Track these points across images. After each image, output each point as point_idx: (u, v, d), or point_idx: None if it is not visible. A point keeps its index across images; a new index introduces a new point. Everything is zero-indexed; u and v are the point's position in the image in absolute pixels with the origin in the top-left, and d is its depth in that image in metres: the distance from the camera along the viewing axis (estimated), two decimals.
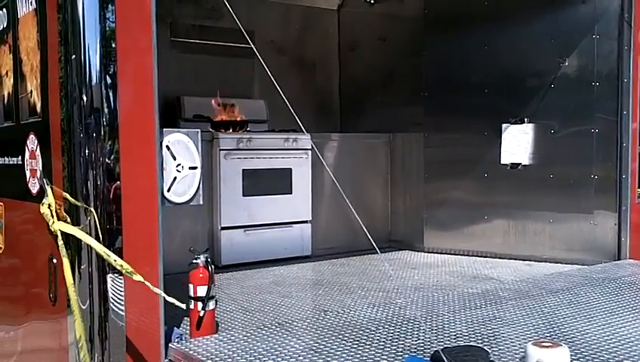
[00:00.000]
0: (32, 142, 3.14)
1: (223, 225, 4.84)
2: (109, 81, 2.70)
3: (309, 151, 5.24)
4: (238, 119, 5.15)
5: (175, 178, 2.94)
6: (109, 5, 2.69)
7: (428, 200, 5.29)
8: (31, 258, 3.42)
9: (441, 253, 5.18)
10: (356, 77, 6.15)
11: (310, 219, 5.28)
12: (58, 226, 2.55)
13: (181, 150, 2.97)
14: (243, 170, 4.93)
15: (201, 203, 3.06)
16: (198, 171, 3.01)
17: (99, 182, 2.72)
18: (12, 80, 3.41)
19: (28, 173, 3.21)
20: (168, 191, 2.91)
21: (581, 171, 4.55)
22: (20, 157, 3.33)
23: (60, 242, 2.54)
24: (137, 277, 2.42)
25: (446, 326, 2.86)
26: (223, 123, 5.07)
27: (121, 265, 2.46)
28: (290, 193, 5.18)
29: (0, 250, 3.77)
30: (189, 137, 2.98)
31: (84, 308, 2.71)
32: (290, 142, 5.16)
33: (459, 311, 3.14)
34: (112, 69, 2.70)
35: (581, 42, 4.56)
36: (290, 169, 5.17)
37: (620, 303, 3.28)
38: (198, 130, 3.04)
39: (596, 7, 4.51)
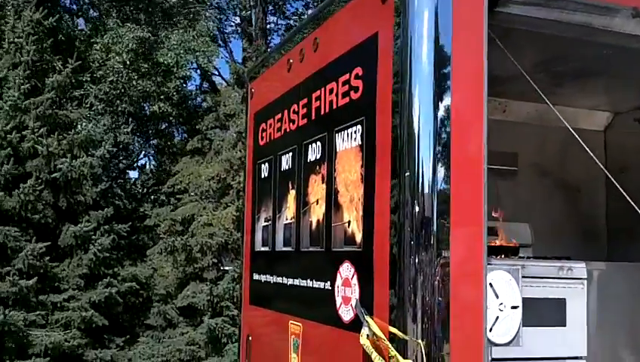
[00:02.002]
0: (346, 270, 3.26)
1: (493, 357, 4.60)
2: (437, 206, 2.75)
3: (585, 281, 4.89)
4: (512, 245, 4.99)
5: (497, 317, 2.86)
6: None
7: None
8: None
9: None
10: (626, 201, 5.75)
11: (585, 355, 4.84)
12: None
13: (503, 288, 2.89)
14: None
15: (521, 345, 2.92)
16: (519, 311, 2.89)
17: (427, 315, 2.71)
18: (323, 209, 3.61)
19: (339, 300, 3.31)
20: (490, 331, 2.83)
21: None
22: (328, 283, 3.46)
23: None
24: None
25: None
26: (497, 248, 4.94)
27: None
28: (564, 325, 4.82)
29: None
30: (510, 275, 2.90)
31: None
32: (564, 271, 4.87)
33: None
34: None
35: None
36: (564, 299, 4.84)
37: None
38: (519, 266, 2.95)
39: None
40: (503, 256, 4.95)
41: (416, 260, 2.72)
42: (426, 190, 2.76)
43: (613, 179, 3.22)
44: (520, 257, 5.00)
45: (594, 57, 4.50)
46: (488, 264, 2.85)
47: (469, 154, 2.84)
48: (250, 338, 4.80)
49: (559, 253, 5.42)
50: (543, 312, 4.78)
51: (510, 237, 5.24)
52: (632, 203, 2.89)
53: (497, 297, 2.87)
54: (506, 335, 2.90)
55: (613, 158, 5.96)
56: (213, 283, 12.30)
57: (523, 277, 4.72)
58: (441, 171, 2.77)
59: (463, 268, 2.71)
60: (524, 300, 4.70)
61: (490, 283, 2.85)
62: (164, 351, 11.98)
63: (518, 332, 2.91)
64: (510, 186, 5.79)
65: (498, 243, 5.01)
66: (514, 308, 2.92)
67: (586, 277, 4.90)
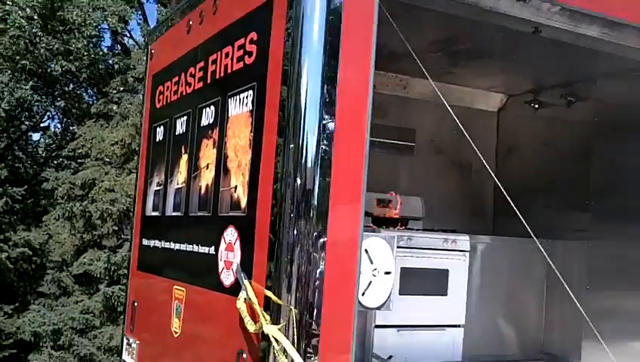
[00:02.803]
0: (230, 234, 3.27)
1: (377, 323, 4.77)
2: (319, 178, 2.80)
3: (467, 253, 5.13)
4: (399, 216, 5.15)
5: (370, 282, 2.95)
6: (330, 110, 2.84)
7: (589, 311, 4.98)
8: (213, 347, 3.50)
9: None
10: (513, 180, 6.03)
11: (464, 323, 5.11)
12: (271, 331, 2.58)
13: (378, 254, 2.98)
14: (402, 268, 4.86)
15: (391, 309, 3.04)
16: (392, 277, 3.00)
17: (301, 282, 2.77)
18: (213, 173, 3.59)
19: (221, 265, 3.32)
20: (362, 295, 2.92)
21: None
22: (212, 248, 3.46)
23: (277, 347, 2.56)
24: None
25: None
26: (385, 219, 5.08)
27: None
28: (446, 295, 5.06)
29: (175, 334, 3.88)
30: (386, 242, 3.00)
31: None
32: (449, 243, 5.09)
33: None
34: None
35: None
36: (447, 270, 5.07)
37: None
38: (395, 234, 3.05)
39: None
40: (391, 227, 5.13)
41: (295, 228, 2.76)
42: (309, 163, 2.80)
43: (485, 163, 3.35)
44: (408, 229, 5.18)
45: (487, 39, 4.66)
46: (365, 231, 2.94)
47: (353, 129, 2.88)
48: (135, 304, 4.75)
49: (448, 226, 5.65)
50: (426, 282, 4.99)
51: (402, 209, 5.41)
52: (500, 185, 3.03)
53: (372, 263, 2.97)
54: (378, 299, 3.00)
55: (504, 138, 6.25)
56: (112, 251, 11.99)
57: (410, 248, 4.91)
58: (324, 144, 2.81)
59: (340, 238, 2.77)
60: (409, 270, 4.89)
61: (366, 250, 2.94)
62: (55, 319, 11.58)
63: (389, 296, 3.03)
64: (407, 161, 5.97)
65: (385, 215, 5.17)
66: (387, 273, 3.03)
67: (468, 249, 5.14)
